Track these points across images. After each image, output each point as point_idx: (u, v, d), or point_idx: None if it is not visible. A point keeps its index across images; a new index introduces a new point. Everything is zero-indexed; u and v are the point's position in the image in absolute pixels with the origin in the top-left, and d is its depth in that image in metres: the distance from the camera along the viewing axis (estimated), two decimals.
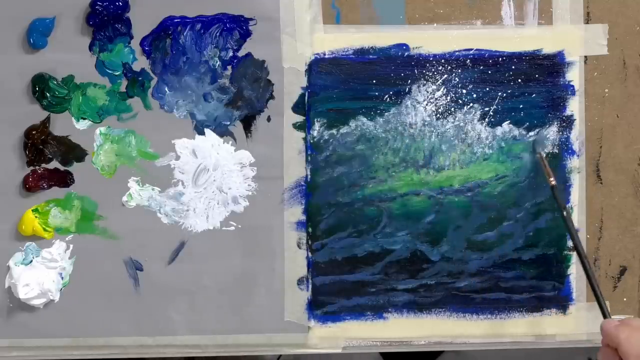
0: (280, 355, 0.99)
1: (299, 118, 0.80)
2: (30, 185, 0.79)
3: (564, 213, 0.76)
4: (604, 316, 0.71)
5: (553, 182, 0.78)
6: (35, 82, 0.78)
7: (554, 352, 0.84)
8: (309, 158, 0.80)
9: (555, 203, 0.78)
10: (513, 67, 0.80)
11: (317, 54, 0.79)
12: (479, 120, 0.80)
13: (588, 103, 0.80)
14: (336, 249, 0.81)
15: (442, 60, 0.80)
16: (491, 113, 0.80)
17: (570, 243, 0.81)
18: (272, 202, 0.80)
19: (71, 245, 0.80)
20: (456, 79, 0.80)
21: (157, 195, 0.80)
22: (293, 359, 0.96)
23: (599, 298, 0.72)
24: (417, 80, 0.80)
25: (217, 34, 0.79)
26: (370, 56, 0.79)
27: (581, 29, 0.80)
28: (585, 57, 0.80)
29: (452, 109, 0.80)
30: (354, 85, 0.79)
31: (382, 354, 1.03)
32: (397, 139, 0.80)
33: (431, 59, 0.80)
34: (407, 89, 0.80)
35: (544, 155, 0.79)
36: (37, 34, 0.77)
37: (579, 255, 0.75)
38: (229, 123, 0.80)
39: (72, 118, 0.79)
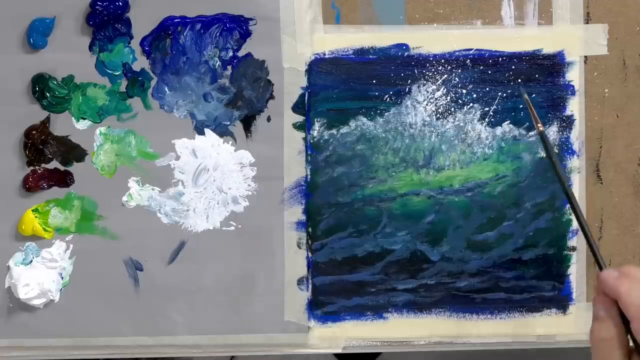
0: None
1: (299, 118, 0.80)
2: (30, 185, 0.79)
3: (553, 159, 0.73)
4: (600, 268, 0.67)
5: (542, 128, 0.76)
6: (35, 82, 0.78)
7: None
8: (309, 158, 0.80)
9: (542, 151, 0.78)
10: (513, 67, 0.80)
11: (317, 54, 0.79)
12: (479, 120, 0.80)
13: (588, 103, 0.80)
14: (336, 249, 0.81)
15: (442, 60, 0.80)
16: (491, 113, 0.80)
17: (569, 243, 0.81)
18: (272, 202, 0.80)
19: (71, 245, 0.80)
20: (456, 79, 0.80)
21: (157, 195, 0.80)
22: None
23: (593, 249, 0.68)
24: (417, 80, 0.80)
25: (217, 34, 0.79)
26: (370, 56, 0.79)
27: (581, 29, 0.80)
28: (585, 57, 0.80)
29: (452, 109, 0.80)
30: (354, 85, 0.79)
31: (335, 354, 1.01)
32: (397, 139, 0.80)
33: (431, 59, 0.80)
34: (407, 89, 0.80)
35: (529, 99, 0.78)
36: (37, 34, 0.77)
37: (570, 200, 0.71)
38: (229, 123, 0.80)
39: (72, 118, 0.79)
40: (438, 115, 0.80)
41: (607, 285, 0.62)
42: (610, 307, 0.62)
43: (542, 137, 0.75)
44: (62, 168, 0.79)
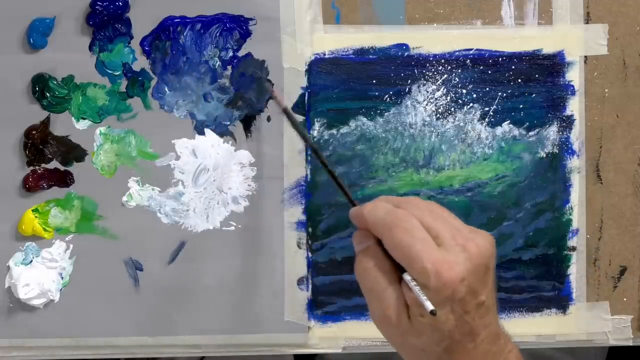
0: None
1: (299, 118, 0.80)
2: (30, 185, 0.79)
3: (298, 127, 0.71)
4: (353, 204, 0.64)
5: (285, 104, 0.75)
6: (35, 82, 0.78)
7: None
8: (309, 158, 0.80)
9: None
10: (513, 67, 0.80)
11: (317, 54, 0.79)
12: (479, 120, 0.80)
13: (588, 103, 0.80)
14: (336, 249, 0.81)
15: (442, 60, 0.80)
16: (491, 113, 0.80)
17: (569, 243, 0.81)
18: (272, 202, 0.80)
19: (71, 245, 0.80)
20: (456, 79, 0.80)
21: (157, 195, 0.80)
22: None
23: (343, 188, 0.65)
24: (417, 80, 0.80)
25: (217, 34, 0.79)
26: (370, 56, 0.79)
27: (581, 29, 0.80)
28: (585, 57, 0.80)
29: (452, 109, 0.80)
30: (354, 85, 0.79)
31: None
32: (397, 139, 0.80)
33: (431, 59, 0.80)
34: (407, 89, 0.80)
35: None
36: (37, 34, 0.77)
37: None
38: (229, 123, 0.80)
39: (72, 118, 0.79)
40: (438, 115, 0.80)
41: (354, 215, 0.61)
42: (366, 238, 0.60)
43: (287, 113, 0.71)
44: (62, 168, 0.79)
